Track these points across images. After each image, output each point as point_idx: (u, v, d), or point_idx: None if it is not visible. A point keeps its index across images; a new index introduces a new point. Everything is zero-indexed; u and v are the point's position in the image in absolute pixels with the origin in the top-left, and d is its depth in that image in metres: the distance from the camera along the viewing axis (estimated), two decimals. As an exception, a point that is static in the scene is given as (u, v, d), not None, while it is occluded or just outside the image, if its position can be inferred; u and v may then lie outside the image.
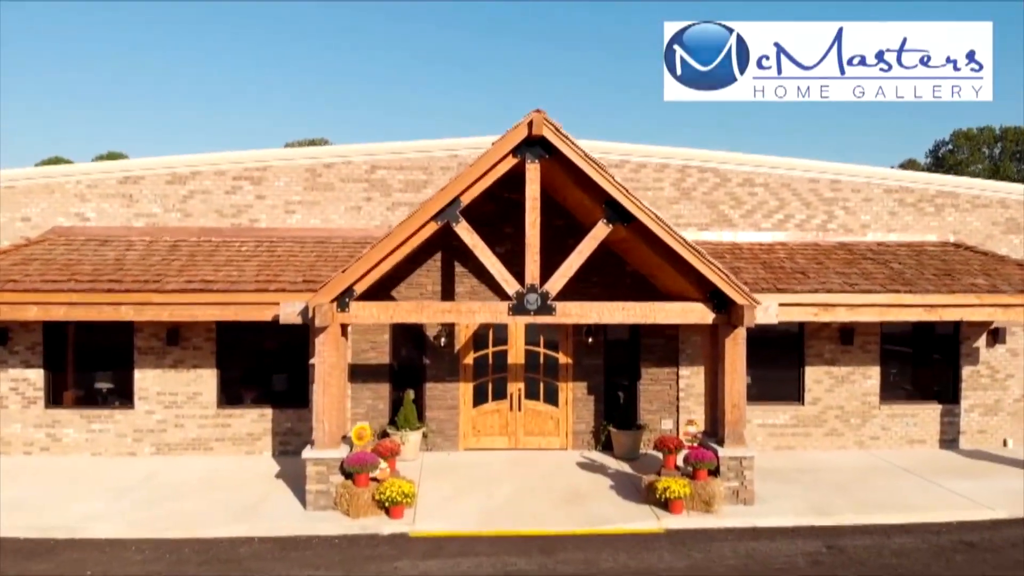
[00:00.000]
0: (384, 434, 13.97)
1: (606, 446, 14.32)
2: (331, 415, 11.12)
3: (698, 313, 11.52)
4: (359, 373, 14.09)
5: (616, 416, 14.17)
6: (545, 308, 11.21)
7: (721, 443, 11.61)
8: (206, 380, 13.96)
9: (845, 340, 14.73)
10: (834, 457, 14.29)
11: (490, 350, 14.41)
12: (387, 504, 10.61)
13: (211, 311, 11.47)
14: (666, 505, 11.14)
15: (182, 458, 13.78)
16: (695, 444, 11.60)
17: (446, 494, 11.81)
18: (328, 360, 11.08)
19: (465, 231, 11.06)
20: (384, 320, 11.21)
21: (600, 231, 11.25)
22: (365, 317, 11.20)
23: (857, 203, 15.07)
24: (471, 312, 11.21)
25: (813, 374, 14.75)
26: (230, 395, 14.13)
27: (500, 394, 14.49)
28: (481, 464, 13.49)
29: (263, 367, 14.14)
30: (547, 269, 11.52)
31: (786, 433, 14.64)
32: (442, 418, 14.26)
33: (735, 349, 11.49)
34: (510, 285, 11.18)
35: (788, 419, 14.71)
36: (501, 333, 14.50)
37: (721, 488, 11.23)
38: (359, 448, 11.24)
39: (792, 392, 14.77)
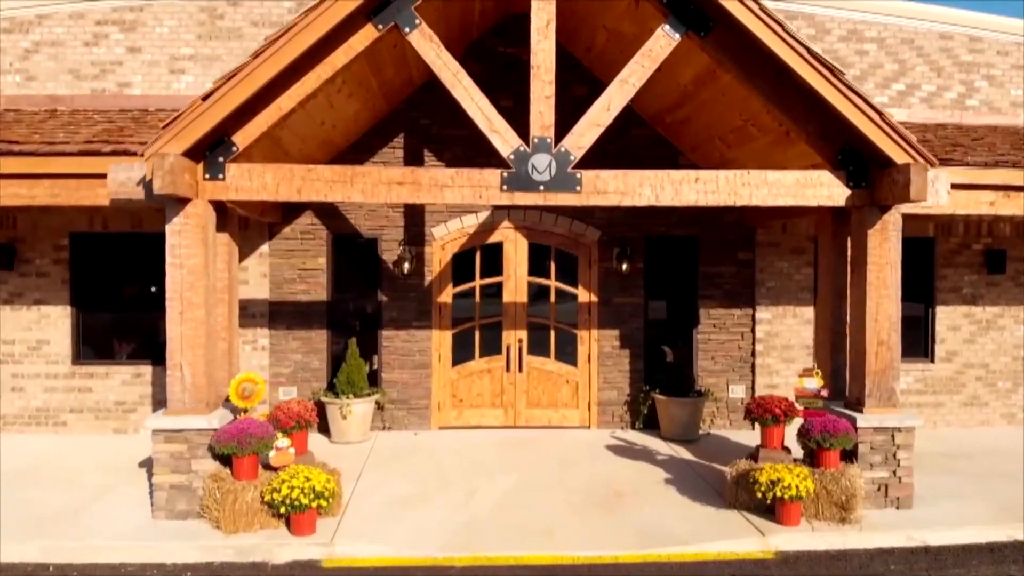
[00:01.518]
0: (319, 406, 9.34)
1: (648, 422, 9.67)
2: (197, 357, 6.49)
3: (822, 188, 6.87)
4: (282, 315, 9.46)
5: (663, 379, 9.52)
6: (563, 180, 6.58)
7: (857, 406, 6.97)
8: (56, 323, 9.36)
9: (993, 266, 10.09)
10: (980, 436, 9.65)
11: (477, 282, 9.78)
12: (286, 510, 5.99)
13: (12, 190, 6.84)
14: (770, 510, 6.55)
15: (19, 437, 9.16)
16: (814, 408, 6.94)
17: (399, 494, 7.18)
18: (191, 262, 6.46)
19: (425, 42, 6.43)
20: (285, 195, 6.56)
21: (659, 46, 6.60)
22: (252, 190, 6.56)
23: (1006, 71, 10.39)
24: (437, 186, 6.57)
25: (947, 317, 10.11)
26: (94, 346, 9.51)
27: (492, 348, 9.87)
28: (462, 449, 8.85)
29: (145, 305, 9.50)
30: (562, 130, 6.92)
31: (908, 402, 9.98)
32: (406, 381, 9.62)
33: (884, 246, 6.85)
34: (505, 140, 6.56)
35: (912, 382, 10.05)
36: (494, 257, 9.86)
37: (860, 481, 6.59)
38: (246, 415, 6.62)
39: (916, 344, 10.11)
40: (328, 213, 9.51)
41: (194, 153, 6.40)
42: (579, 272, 9.84)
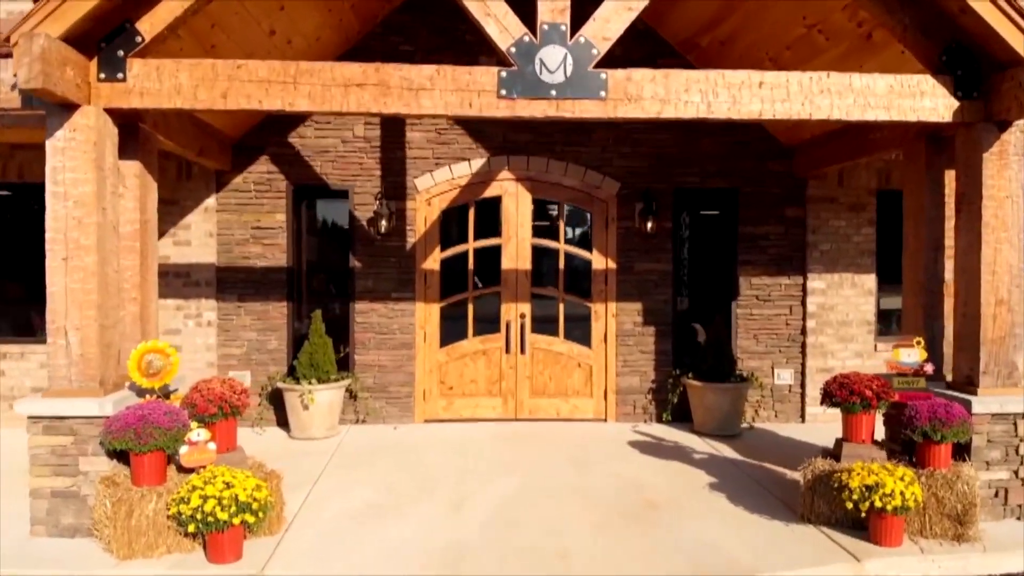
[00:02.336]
0: (276, 394, 7.64)
1: (677, 414, 7.97)
2: (88, 320, 4.80)
3: (922, 99, 5.20)
4: (232, 284, 7.76)
5: (697, 361, 7.82)
6: (583, 81, 4.90)
7: (967, 386, 5.29)
8: (-44, 296, 7.65)
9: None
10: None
11: (470, 245, 8.08)
12: (196, 528, 4.28)
13: None
14: (859, 525, 4.87)
15: (-94, 437, 7.45)
16: (915, 389, 5.24)
17: (365, 504, 5.47)
18: (80, 191, 4.78)
19: None
20: (206, 101, 4.85)
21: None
22: (162, 94, 4.86)
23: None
24: (411, 89, 4.88)
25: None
26: (9, 321, 7.84)
27: (488, 324, 8.18)
28: (451, 446, 7.14)
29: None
30: (581, 18, 5.22)
31: (990, 393, 8.23)
32: (384, 364, 7.92)
33: (1003, 175, 5.18)
34: (504, 27, 4.87)
35: None
36: (490, 212, 8.17)
37: (975, 486, 4.90)
38: (153, 396, 4.92)
39: None
40: (288, 160, 7.82)
41: (83, 43, 4.71)
42: (594, 233, 8.14)
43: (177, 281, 7.72)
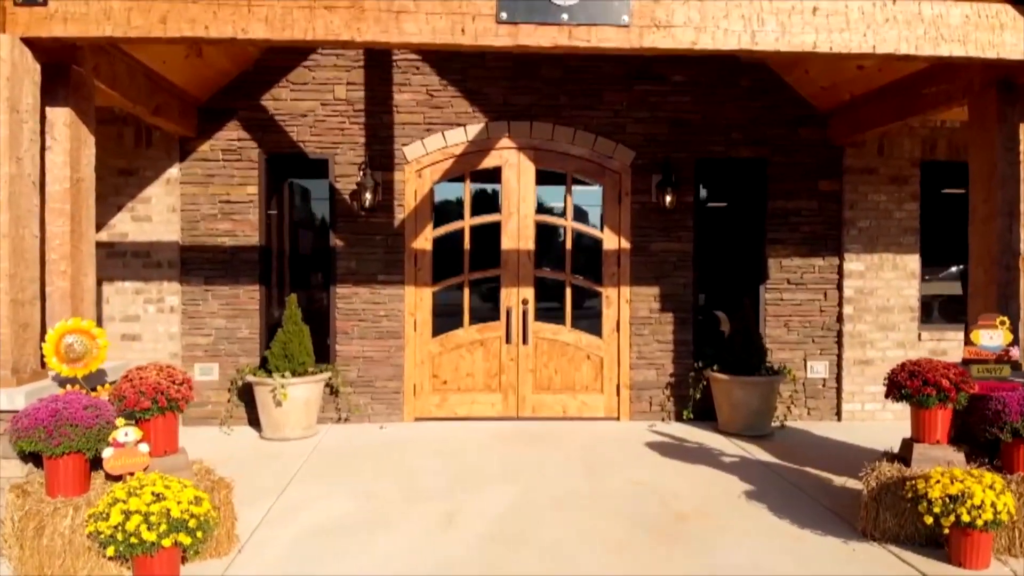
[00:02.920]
0: (246, 389, 6.77)
1: (700, 412, 7.10)
2: (-6, 294, 3.92)
3: (1002, 33, 4.34)
4: (198, 265, 6.89)
5: (721, 352, 6.94)
6: (600, 2, 4.02)
7: (1062, 377, 4.42)
8: None
9: None
10: None
11: (466, 222, 7.21)
12: (117, 550, 3.40)
13: None
14: (935, 542, 3.99)
15: None
16: (998, 379, 4.36)
17: (338, 518, 4.58)
18: (-17, 136, 3.89)
19: None
20: (141, 28, 3.99)
21: None
22: (89, 20, 4.00)
23: None
24: (390, 11, 4.00)
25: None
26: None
27: (486, 311, 7.31)
28: (443, 448, 6.26)
29: None
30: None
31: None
32: (370, 356, 7.04)
33: (1113, 118, 4.29)
34: (501, -60, 3.99)
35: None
36: (488, 183, 7.31)
37: (1076, 498, 4.02)
38: (76, 387, 4.04)
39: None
40: (261, 125, 6.94)
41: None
42: (605, 209, 7.27)
43: (136, 262, 6.84)
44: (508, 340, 7.20)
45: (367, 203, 6.84)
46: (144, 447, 3.75)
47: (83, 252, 4.70)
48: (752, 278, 7.34)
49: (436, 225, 7.17)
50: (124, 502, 3.38)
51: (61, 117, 4.51)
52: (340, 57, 6.96)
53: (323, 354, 6.98)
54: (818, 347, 7.27)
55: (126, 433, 3.70)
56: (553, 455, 5.98)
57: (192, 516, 3.43)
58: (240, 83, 6.87)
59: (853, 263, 7.25)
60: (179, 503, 3.42)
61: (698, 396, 7.04)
